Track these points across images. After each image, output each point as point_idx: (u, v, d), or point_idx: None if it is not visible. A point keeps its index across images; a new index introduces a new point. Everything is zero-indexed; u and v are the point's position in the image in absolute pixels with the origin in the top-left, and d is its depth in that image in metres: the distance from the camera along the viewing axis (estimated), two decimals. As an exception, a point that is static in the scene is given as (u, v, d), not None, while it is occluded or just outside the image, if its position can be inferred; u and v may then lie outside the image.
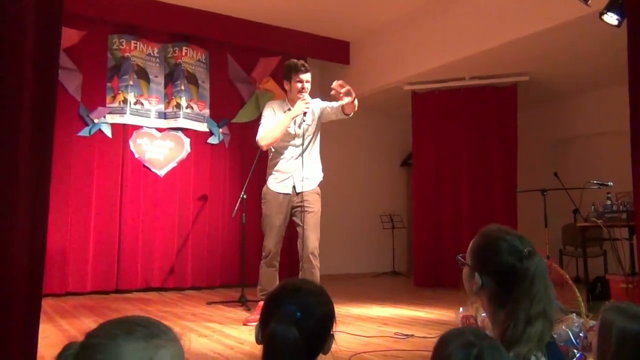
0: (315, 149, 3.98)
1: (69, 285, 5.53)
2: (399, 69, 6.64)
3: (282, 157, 3.90)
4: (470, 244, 1.53)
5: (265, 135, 3.84)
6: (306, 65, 3.91)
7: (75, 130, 5.75)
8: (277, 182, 3.89)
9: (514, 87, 6.54)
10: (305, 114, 3.81)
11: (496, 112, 6.57)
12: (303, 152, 3.87)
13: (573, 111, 7.33)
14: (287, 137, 3.88)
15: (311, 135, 3.92)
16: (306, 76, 3.87)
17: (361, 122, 8.33)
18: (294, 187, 3.85)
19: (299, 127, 3.86)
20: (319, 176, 3.99)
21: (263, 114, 3.99)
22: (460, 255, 1.56)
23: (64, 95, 5.65)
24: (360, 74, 7.22)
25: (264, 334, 1.13)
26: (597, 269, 5.76)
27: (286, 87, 3.97)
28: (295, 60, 3.94)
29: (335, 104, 3.84)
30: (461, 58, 5.86)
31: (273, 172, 3.93)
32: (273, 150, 3.95)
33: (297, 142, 3.88)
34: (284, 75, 3.97)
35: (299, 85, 3.84)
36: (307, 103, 3.79)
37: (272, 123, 3.86)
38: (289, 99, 3.97)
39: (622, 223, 4.49)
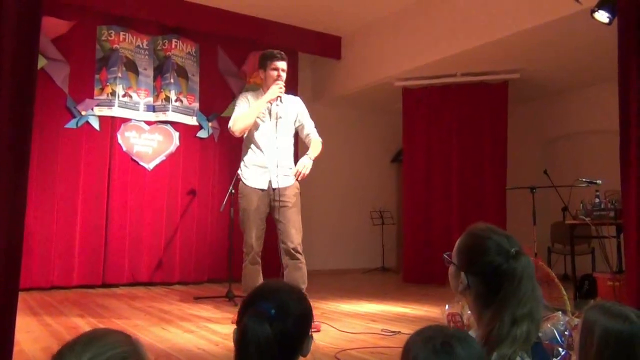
0: (290, 144, 3.87)
1: (55, 279, 5.47)
2: (390, 65, 6.62)
3: (257, 149, 3.77)
4: (457, 243, 1.50)
5: (238, 118, 3.71)
6: (282, 53, 3.79)
7: (62, 123, 5.67)
8: (254, 178, 3.75)
9: (505, 84, 6.53)
10: (279, 98, 3.70)
11: (487, 109, 6.57)
12: (277, 144, 3.75)
13: (563, 109, 7.34)
14: (263, 129, 3.76)
15: (287, 129, 3.81)
16: (282, 64, 3.73)
17: (352, 118, 8.34)
18: (270, 182, 3.72)
19: (275, 118, 3.75)
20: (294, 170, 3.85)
21: (237, 102, 3.86)
22: (447, 253, 1.54)
23: (51, 86, 5.59)
24: (352, 69, 7.19)
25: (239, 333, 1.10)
26: (585, 266, 5.79)
27: (261, 75, 3.84)
28: (271, 49, 3.86)
29: (310, 128, 3.89)
30: (452, 54, 5.84)
31: (249, 167, 3.79)
32: (248, 142, 3.82)
33: (271, 133, 3.75)
34: (259, 65, 3.83)
35: (274, 72, 3.71)
36: (281, 88, 3.68)
37: (245, 109, 3.76)
38: (264, 87, 3.82)
39: (610, 221, 4.51)
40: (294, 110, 3.86)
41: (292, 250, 3.64)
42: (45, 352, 2.81)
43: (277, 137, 3.75)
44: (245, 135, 3.82)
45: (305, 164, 3.65)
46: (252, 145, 3.80)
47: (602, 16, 3.78)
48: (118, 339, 0.89)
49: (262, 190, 3.74)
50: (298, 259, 3.65)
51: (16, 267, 1.74)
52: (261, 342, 1.04)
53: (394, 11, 6.44)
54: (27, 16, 1.85)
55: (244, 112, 3.74)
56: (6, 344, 1.73)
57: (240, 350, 1.07)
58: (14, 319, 1.79)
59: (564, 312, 2.18)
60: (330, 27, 7.04)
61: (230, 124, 3.75)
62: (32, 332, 3.29)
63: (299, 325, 1.14)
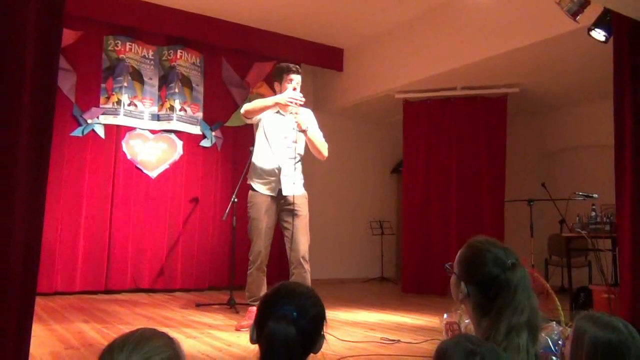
0: (300, 155, 3.96)
1: (58, 285, 5.53)
2: (391, 78, 6.72)
3: (269, 154, 3.84)
4: (458, 254, 1.59)
5: (251, 103, 3.85)
6: (298, 67, 3.93)
7: (68, 130, 5.76)
8: (264, 184, 3.83)
9: (504, 98, 6.63)
10: (297, 108, 3.78)
11: (486, 122, 6.66)
12: (288, 152, 3.84)
13: (561, 123, 7.44)
14: (277, 135, 3.86)
15: (299, 140, 3.89)
16: (297, 77, 3.87)
17: (353, 129, 8.43)
18: (280, 190, 3.80)
19: (293, 128, 3.82)
20: (302, 180, 3.96)
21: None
22: (448, 264, 1.63)
23: (58, 95, 5.56)
24: (353, 81, 7.29)
25: (261, 334, 1.20)
26: (581, 279, 5.85)
27: (276, 88, 3.95)
28: (287, 63, 3.98)
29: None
30: (453, 68, 5.94)
31: (260, 173, 3.85)
32: (260, 146, 3.89)
33: (290, 143, 3.85)
34: (275, 77, 3.97)
35: (290, 85, 3.84)
36: (293, 102, 3.77)
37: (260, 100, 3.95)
38: None
39: (606, 234, 4.58)
40: (306, 122, 3.92)
41: (300, 259, 3.70)
42: (54, 357, 2.88)
43: (289, 146, 3.84)
44: (257, 141, 3.92)
45: (303, 116, 3.80)
46: (265, 149, 3.87)
47: (599, 34, 3.88)
48: (164, 342, 0.98)
49: (272, 197, 3.81)
50: (304, 267, 3.70)
51: (34, 274, 1.82)
52: (289, 342, 1.15)
53: (396, 25, 6.54)
54: (48, 29, 1.93)
55: (259, 100, 3.90)
56: (23, 347, 1.80)
57: (269, 351, 1.17)
58: (31, 323, 1.86)
59: (559, 322, 2.25)
60: (333, 40, 7.15)
61: (243, 109, 3.89)
62: (39, 337, 3.35)
63: (315, 324, 1.24)
